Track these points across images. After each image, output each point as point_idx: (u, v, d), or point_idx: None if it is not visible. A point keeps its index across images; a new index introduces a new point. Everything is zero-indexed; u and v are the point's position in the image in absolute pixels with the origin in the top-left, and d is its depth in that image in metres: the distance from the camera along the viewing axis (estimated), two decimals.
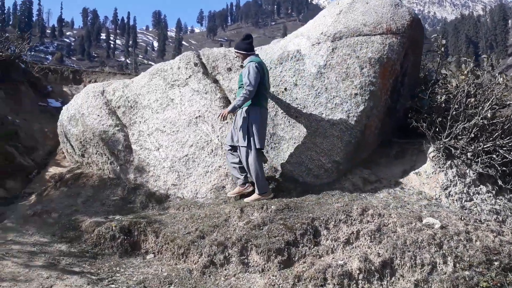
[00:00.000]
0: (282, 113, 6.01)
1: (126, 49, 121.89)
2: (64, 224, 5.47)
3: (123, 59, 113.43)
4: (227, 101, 6.30)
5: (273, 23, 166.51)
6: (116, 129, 6.44)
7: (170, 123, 6.32)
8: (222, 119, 5.41)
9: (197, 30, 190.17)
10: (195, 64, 6.59)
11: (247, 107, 5.37)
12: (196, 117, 6.23)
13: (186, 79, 6.53)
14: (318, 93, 5.92)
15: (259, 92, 5.42)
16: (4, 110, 9.70)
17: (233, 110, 5.37)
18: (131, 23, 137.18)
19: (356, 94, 5.80)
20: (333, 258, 4.38)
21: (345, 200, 5.17)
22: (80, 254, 4.83)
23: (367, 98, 5.82)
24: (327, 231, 4.71)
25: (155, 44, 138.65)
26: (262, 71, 5.44)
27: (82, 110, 6.73)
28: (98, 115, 6.55)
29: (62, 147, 7.85)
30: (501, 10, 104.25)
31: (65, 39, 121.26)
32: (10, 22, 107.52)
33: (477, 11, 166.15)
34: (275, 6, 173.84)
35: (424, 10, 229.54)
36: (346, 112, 5.77)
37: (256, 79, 5.28)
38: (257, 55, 5.72)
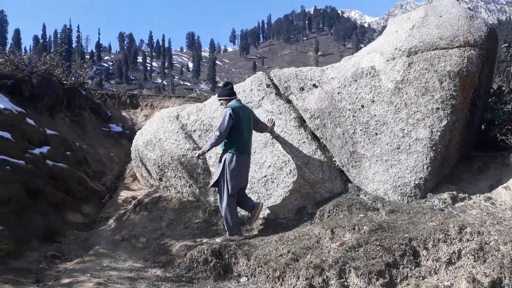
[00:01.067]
0: (361, 130, 5.97)
1: (162, 71, 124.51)
2: (154, 248, 5.55)
3: (159, 80, 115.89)
4: (301, 121, 6.31)
5: (305, 38, 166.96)
6: (194, 153, 6.53)
7: None
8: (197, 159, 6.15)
9: (230, 49, 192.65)
10: (268, 86, 6.64)
11: (223, 153, 5.70)
12: (273, 138, 6.25)
13: (259, 100, 6.59)
14: (398, 108, 5.86)
15: (235, 139, 5.61)
16: (71, 136, 10.03)
17: (203, 154, 5.81)
18: (166, 45, 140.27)
19: (438, 108, 5.71)
20: (437, 279, 4.27)
21: (439, 218, 5.04)
22: (177, 279, 4.87)
23: (449, 112, 5.73)
24: (426, 251, 4.60)
25: (190, 64, 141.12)
26: (237, 117, 5.58)
27: (159, 135, 6.88)
28: (176, 140, 6.67)
29: (136, 171, 8.02)
30: None
31: (104, 64, 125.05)
32: (52, 50, 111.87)
33: None
34: (306, 21, 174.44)
35: None
36: (429, 127, 5.68)
37: (226, 126, 5.53)
38: (238, 100, 5.90)
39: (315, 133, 6.19)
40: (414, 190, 5.60)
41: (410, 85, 5.88)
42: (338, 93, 6.23)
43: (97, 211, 8.10)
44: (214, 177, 5.72)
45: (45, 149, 8.43)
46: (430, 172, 5.63)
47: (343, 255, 4.68)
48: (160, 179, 6.96)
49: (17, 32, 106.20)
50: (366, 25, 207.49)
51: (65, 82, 10.60)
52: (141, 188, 9.32)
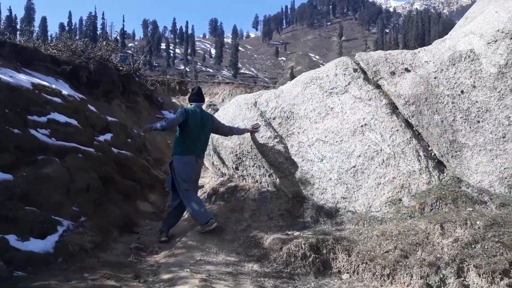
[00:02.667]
0: (461, 118, 5.57)
1: (185, 57, 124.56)
2: (244, 241, 5.29)
3: (182, 67, 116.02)
4: (393, 107, 5.93)
5: (329, 23, 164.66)
6: (276, 141, 6.23)
7: (332, 133, 6.02)
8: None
9: (252, 35, 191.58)
10: (354, 70, 6.27)
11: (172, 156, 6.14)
12: (362, 126, 5.90)
13: (346, 86, 6.23)
14: (502, 95, 5.43)
15: (180, 141, 5.98)
16: (128, 123, 9.84)
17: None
18: (189, 31, 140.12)
19: None
20: None
21: None
22: (277, 274, 4.60)
23: None
24: None
25: (213, 51, 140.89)
26: (186, 118, 5.92)
27: (237, 122, 6.58)
28: None
29: (206, 159, 7.76)
30: None
31: (128, 51, 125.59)
32: (77, 37, 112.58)
33: None
34: (330, 6, 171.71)
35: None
36: None
37: (173, 119, 5.99)
38: (198, 106, 6.13)
39: (409, 120, 5.81)
40: None
41: None
42: (434, 78, 5.82)
43: (163, 200, 7.92)
44: (168, 180, 6.14)
45: (108, 136, 8.25)
46: None
47: (460, 252, 4.33)
48: (237, 168, 6.68)
49: (43, 20, 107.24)
50: (391, 9, 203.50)
51: (121, 68, 10.40)
52: (203, 177, 9.09)
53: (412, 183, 5.53)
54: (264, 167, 6.31)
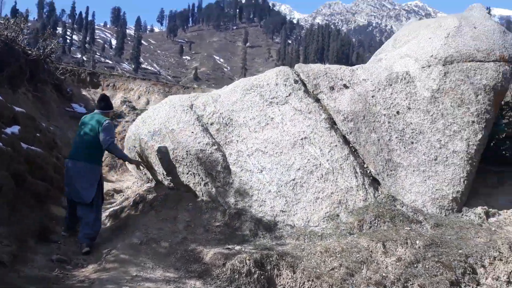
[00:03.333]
0: (396, 137, 5.79)
1: (83, 46, 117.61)
2: (182, 255, 4.96)
3: (79, 55, 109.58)
4: (332, 122, 5.99)
5: (235, 27, 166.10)
6: (214, 148, 5.97)
7: (272, 144, 5.93)
8: None
9: (156, 30, 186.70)
10: (295, 81, 6.24)
11: None
12: (302, 139, 5.88)
13: (286, 96, 6.18)
14: (434, 118, 5.75)
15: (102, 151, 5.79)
16: (36, 115, 8.90)
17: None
18: (89, 18, 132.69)
19: (473, 121, 5.67)
20: None
21: (484, 235, 5.01)
22: None
23: (483, 126, 5.72)
24: (483, 269, 4.56)
25: (113, 41, 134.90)
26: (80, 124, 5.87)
27: (171, 125, 6.20)
28: (193, 132, 6.05)
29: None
30: None
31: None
32: None
33: None
34: (237, 10, 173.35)
35: (381, 23, 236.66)
36: (466, 140, 5.63)
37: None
38: (97, 112, 5.91)
39: (347, 137, 5.90)
40: (451, 204, 5.52)
41: (446, 95, 5.78)
42: (372, 97, 5.99)
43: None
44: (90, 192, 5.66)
45: (15, 128, 7.37)
46: (466, 185, 5.59)
47: (404, 271, 4.47)
48: (167, 174, 6.30)
49: None
50: (295, 21, 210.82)
51: (29, 52, 9.38)
52: (121, 180, 8.53)
53: (350, 199, 5.62)
54: (199, 175, 6.02)
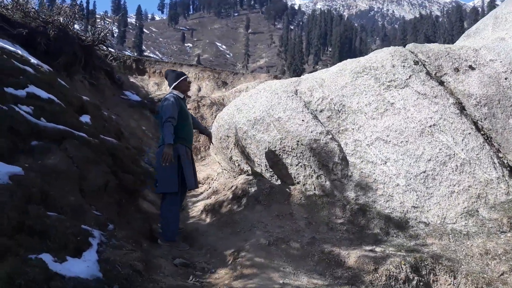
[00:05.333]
0: None
1: (84, 35, 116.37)
2: (319, 258, 4.37)
3: None
4: (462, 108, 5.37)
5: (236, 14, 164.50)
6: (328, 138, 5.35)
7: (395, 132, 5.31)
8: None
9: (157, 18, 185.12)
10: (415, 63, 5.60)
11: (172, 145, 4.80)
12: (430, 126, 5.26)
13: (406, 79, 5.54)
14: None
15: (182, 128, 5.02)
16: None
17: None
18: (91, 7, 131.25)
19: None
20: None
21: None
22: None
23: None
24: None
25: (115, 30, 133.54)
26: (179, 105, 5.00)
27: (276, 113, 5.57)
28: (303, 120, 5.43)
29: (218, 152, 6.62)
30: (458, 12, 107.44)
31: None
32: None
33: (433, 12, 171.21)
34: None
35: (383, 8, 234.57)
36: None
37: (173, 116, 4.85)
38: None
39: (480, 123, 5.28)
40: None
41: None
42: (505, 79, 5.36)
43: (158, 199, 6.63)
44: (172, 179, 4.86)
45: (86, 118, 6.76)
46: None
47: None
48: (272, 167, 5.69)
49: None
50: (296, 6, 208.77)
51: (83, 38, 8.72)
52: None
53: (490, 193, 5.01)
54: (311, 167, 5.41)
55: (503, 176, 5.07)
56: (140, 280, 3.53)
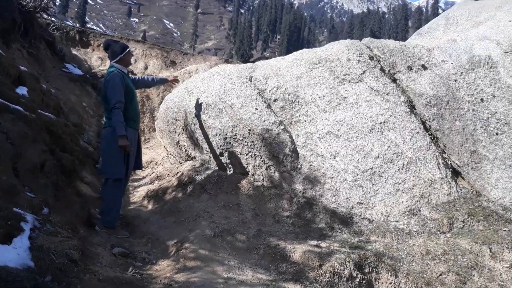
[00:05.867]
0: (481, 127, 5.31)
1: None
2: (265, 252, 4.28)
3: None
4: (412, 106, 5.43)
5: None
6: (281, 128, 5.25)
7: (346, 126, 5.29)
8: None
9: None
10: (370, 58, 5.59)
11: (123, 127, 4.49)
12: (381, 123, 5.28)
13: (361, 74, 5.52)
14: None
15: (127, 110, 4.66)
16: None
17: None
18: None
19: None
20: None
21: None
22: None
23: None
24: None
25: None
26: (124, 82, 4.62)
27: (229, 99, 5.39)
28: (256, 109, 5.28)
29: (164, 136, 6.35)
30: (404, 10, 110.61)
31: None
32: None
33: (380, 8, 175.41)
34: None
35: (333, 0, 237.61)
36: None
37: (120, 99, 4.49)
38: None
39: (430, 123, 5.37)
40: None
41: None
42: (455, 81, 5.47)
43: (97, 181, 6.31)
44: (117, 162, 4.53)
45: (23, 90, 6.31)
46: None
47: None
48: (221, 154, 5.52)
49: None
50: None
51: (24, 3, 8.09)
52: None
53: (432, 193, 5.12)
54: (261, 158, 5.30)
55: (446, 177, 5.19)
56: (75, 271, 3.27)
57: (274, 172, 5.31)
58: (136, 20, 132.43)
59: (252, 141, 5.26)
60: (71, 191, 5.17)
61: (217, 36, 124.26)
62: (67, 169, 5.42)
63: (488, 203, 5.11)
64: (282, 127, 5.28)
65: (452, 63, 5.56)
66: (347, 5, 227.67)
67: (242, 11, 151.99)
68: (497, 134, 5.30)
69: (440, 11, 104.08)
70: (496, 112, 5.34)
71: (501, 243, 4.42)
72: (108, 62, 10.87)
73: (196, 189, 5.33)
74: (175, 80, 5.37)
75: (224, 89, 5.48)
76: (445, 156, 5.37)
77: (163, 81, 5.29)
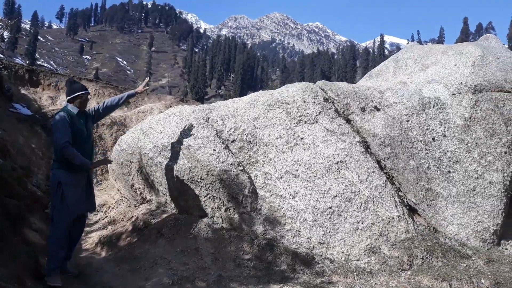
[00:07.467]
0: (434, 165, 5.49)
1: None
2: None
3: None
4: (367, 146, 5.55)
5: (140, 31, 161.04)
6: (239, 169, 5.21)
7: (304, 167, 5.33)
8: None
9: (55, 26, 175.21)
10: (325, 100, 5.71)
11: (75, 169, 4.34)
12: (337, 162, 5.35)
13: (316, 115, 5.61)
14: (469, 147, 5.55)
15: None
16: None
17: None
18: None
19: (505, 152, 5.57)
20: None
21: None
22: None
23: None
24: None
25: (5, 34, 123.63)
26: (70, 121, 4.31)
27: (186, 141, 5.31)
28: (214, 150, 5.22)
29: (118, 179, 6.14)
30: (352, 51, 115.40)
31: None
32: None
33: (330, 49, 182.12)
34: (143, 14, 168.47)
35: (284, 40, 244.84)
36: (501, 171, 5.49)
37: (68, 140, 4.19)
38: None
39: (385, 162, 5.49)
40: (492, 237, 5.32)
41: (478, 124, 5.63)
42: (407, 121, 5.66)
43: (46, 227, 5.98)
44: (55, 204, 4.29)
45: None
46: (503, 218, 5.43)
47: None
48: (178, 197, 5.39)
49: None
50: (201, 30, 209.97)
51: None
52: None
53: (391, 231, 5.18)
54: (220, 199, 5.21)
55: (403, 214, 5.28)
56: None
57: (234, 214, 5.22)
58: (89, 57, 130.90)
59: (211, 183, 5.18)
60: (18, 239, 4.87)
61: (171, 74, 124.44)
62: (13, 215, 5.13)
63: (445, 239, 5.22)
64: (241, 167, 5.24)
65: (403, 105, 5.76)
66: (298, 46, 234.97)
67: (196, 50, 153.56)
68: (449, 171, 5.47)
69: (386, 51, 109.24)
70: (447, 151, 5.54)
71: (460, 279, 4.48)
72: (59, 102, 10.61)
73: (152, 234, 5.15)
74: (145, 89, 5.09)
75: (181, 130, 5.42)
76: (401, 194, 5.48)
77: (131, 96, 5.03)
